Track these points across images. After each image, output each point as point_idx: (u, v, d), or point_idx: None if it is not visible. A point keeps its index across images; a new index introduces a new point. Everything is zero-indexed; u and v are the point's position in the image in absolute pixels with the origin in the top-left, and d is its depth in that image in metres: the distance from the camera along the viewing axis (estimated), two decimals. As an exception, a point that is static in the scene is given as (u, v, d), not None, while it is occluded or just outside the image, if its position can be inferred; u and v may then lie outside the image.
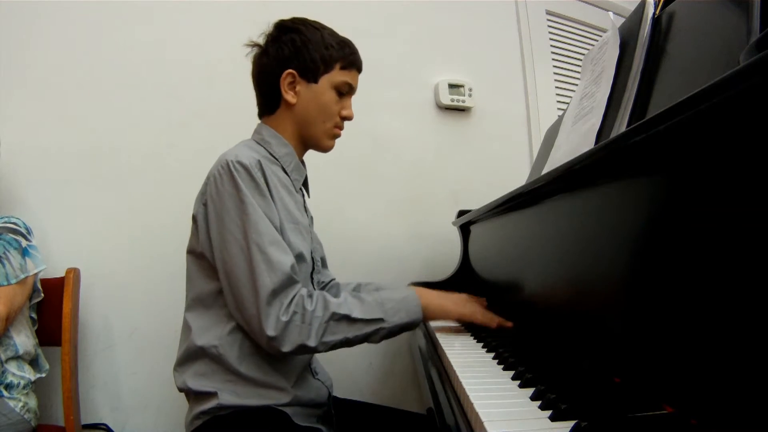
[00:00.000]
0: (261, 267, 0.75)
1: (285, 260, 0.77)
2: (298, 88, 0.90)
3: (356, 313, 0.78)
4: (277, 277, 0.75)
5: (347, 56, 0.92)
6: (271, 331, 0.73)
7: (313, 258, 0.95)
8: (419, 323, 0.84)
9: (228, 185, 0.78)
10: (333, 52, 0.90)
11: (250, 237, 0.76)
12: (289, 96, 0.90)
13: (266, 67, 0.91)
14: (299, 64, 0.89)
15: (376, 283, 1.18)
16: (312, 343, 0.75)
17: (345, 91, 0.93)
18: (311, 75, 0.89)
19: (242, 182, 0.78)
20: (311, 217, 1.08)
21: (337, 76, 0.91)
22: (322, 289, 1.16)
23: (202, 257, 0.83)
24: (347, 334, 0.78)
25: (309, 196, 1.05)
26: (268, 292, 0.74)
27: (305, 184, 1.02)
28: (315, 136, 0.93)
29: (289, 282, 0.76)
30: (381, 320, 0.79)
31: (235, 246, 0.77)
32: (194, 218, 0.85)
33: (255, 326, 0.75)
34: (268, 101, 0.94)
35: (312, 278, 0.95)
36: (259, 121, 0.97)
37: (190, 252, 0.86)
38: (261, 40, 0.93)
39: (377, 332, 0.80)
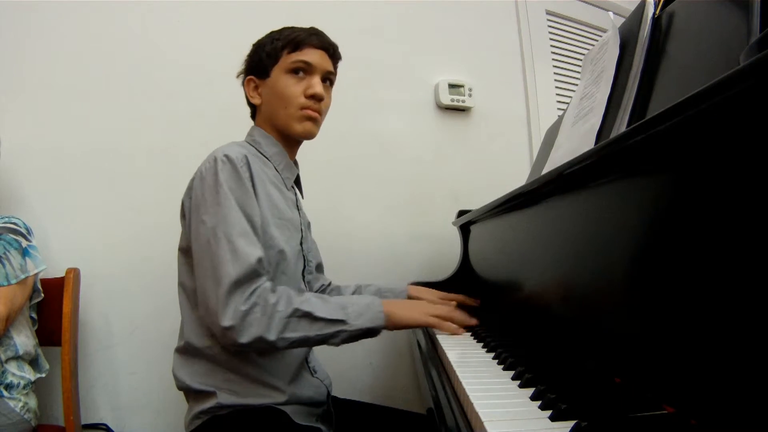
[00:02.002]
0: (226, 257, 0.74)
1: (251, 252, 0.76)
2: (259, 89, 0.94)
3: (319, 312, 0.76)
4: (241, 268, 0.74)
5: (291, 39, 0.91)
6: (227, 321, 0.71)
7: (306, 258, 0.95)
8: (381, 330, 0.82)
9: (210, 178, 0.79)
10: (277, 43, 0.92)
11: (220, 227, 0.76)
12: (255, 99, 0.94)
13: (242, 84, 0.97)
14: (253, 69, 0.94)
15: (376, 284, 1.18)
16: (271, 336, 0.73)
17: (302, 68, 0.91)
18: (263, 72, 0.93)
19: (223, 174, 0.79)
20: (308, 222, 1.08)
21: (285, 60, 0.91)
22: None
23: (188, 253, 0.83)
24: (308, 332, 0.76)
25: (303, 197, 1.06)
26: (231, 281, 0.72)
27: (298, 184, 1.03)
28: (284, 125, 0.93)
29: (253, 274, 0.75)
30: (343, 322, 0.77)
31: (205, 236, 0.77)
32: (182, 213, 0.87)
33: (212, 316, 0.73)
34: (251, 112, 1.00)
35: (303, 277, 0.95)
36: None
37: (180, 249, 0.87)
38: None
39: (338, 334, 0.77)
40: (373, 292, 1.15)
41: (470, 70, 1.79)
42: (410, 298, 1.14)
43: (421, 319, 0.85)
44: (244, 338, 0.72)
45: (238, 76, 0.99)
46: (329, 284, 1.19)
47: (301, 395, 0.85)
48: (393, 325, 0.83)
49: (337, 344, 0.80)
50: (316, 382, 0.91)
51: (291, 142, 0.97)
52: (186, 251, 0.85)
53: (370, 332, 0.80)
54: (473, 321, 0.89)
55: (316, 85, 0.91)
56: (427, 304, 0.93)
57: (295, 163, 1.00)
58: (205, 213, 0.78)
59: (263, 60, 0.92)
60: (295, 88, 0.90)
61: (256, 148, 0.92)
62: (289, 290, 0.78)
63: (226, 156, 0.80)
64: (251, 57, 0.95)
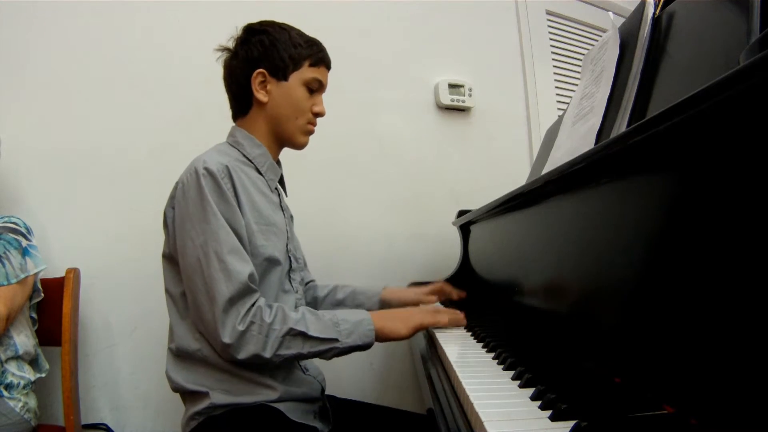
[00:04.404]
0: (219, 275, 0.75)
1: (243, 269, 0.77)
2: (269, 86, 0.91)
3: (312, 331, 0.78)
4: (234, 286, 0.75)
5: (315, 54, 0.93)
6: (227, 339, 0.74)
7: (291, 256, 0.96)
8: (371, 346, 0.84)
9: (193, 192, 0.79)
10: (301, 51, 0.92)
11: (210, 245, 0.76)
12: (260, 95, 0.91)
13: (237, 69, 0.93)
14: (269, 64, 0.91)
15: (352, 285, 1.18)
16: (267, 354, 0.75)
17: (315, 87, 0.94)
18: (281, 73, 0.91)
19: (207, 189, 0.78)
20: (291, 216, 1.08)
21: (306, 73, 0.92)
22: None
23: (173, 261, 0.84)
24: (301, 349, 0.78)
25: (286, 195, 1.07)
26: (225, 300, 0.74)
27: (282, 183, 1.03)
28: (288, 133, 0.94)
29: (246, 291, 0.76)
30: (335, 340, 0.79)
31: (194, 253, 0.77)
32: (165, 223, 0.86)
33: (212, 332, 0.75)
34: (241, 103, 0.95)
35: (289, 277, 0.95)
36: (233, 124, 0.98)
37: (163, 255, 0.87)
38: (230, 44, 0.95)
39: (330, 350, 0.80)
40: (347, 294, 1.15)
41: (470, 70, 1.79)
42: (383, 300, 1.14)
43: (408, 333, 0.87)
44: (242, 355, 0.75)
45: (220, 50, 0.94)
46: (310, 281, 1.19)
47: (295, 392, 0.85)
48: (384, 340, 0.85)
49: (329, 359, 0.82)
50: (309, 379, 0.91)
51: (280, 145, 0.98)
52: (170, 258, 0.85)
53: (360, 348, 0.83)
54: (462, 321, 0.91)
55: (322, 104, 0.96)
56: (417, 314, 0.90)
57: (278, 162, 1.00)
58: (192, 229, 0.78)
59: (285, 61, 0.90)
60: (307, 103, 0.94)
61: (238, 150, 0.92)
62: (283, 307, 0.80)
63: (207, 169, 0.80)
64: (267, 51, 0.90)
